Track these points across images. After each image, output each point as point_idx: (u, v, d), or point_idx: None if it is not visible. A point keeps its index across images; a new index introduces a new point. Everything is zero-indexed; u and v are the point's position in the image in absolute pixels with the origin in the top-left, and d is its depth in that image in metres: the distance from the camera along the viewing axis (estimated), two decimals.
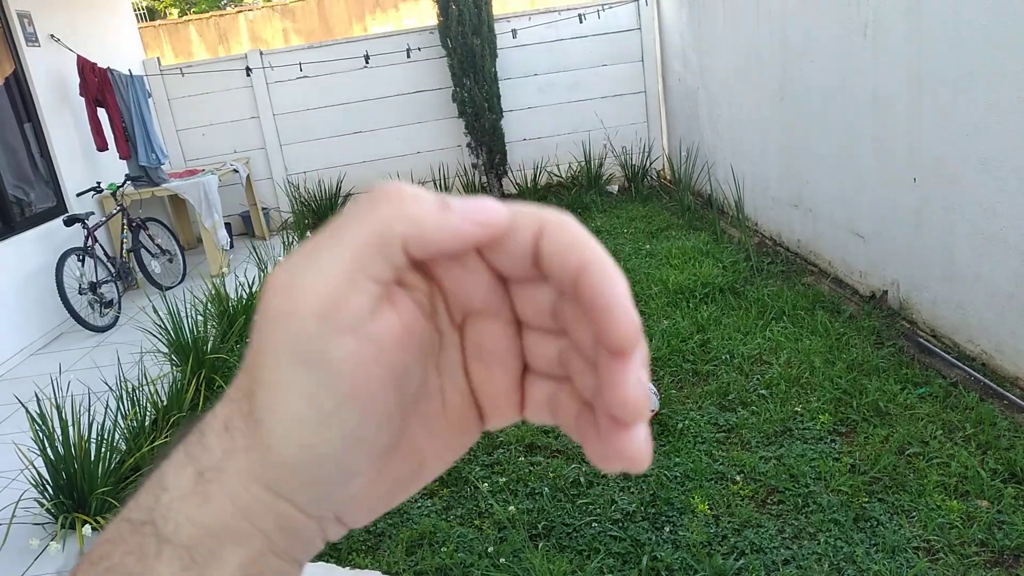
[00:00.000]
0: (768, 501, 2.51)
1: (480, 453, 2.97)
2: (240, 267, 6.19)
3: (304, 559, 0.28)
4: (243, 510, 0.25)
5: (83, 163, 6.00)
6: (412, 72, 7.24)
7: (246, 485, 0.25)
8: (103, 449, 2.86)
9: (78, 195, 5.68)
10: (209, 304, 4.40)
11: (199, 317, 4.08)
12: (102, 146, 5.99)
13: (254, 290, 4.48)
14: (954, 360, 3.13)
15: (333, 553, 2.51)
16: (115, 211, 5.72)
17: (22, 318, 4.98)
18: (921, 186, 3.34)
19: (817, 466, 2.61)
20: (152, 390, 3.37)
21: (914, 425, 2.75)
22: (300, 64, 7.13)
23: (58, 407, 2.86)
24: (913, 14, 3.23)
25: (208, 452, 0.26)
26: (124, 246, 5.78)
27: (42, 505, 2.79)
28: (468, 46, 6.79)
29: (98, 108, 5.97)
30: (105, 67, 5.98)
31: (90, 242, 5.29)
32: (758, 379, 3.25)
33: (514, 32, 7.03)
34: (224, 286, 4.65)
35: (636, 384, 0.23)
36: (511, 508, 2.57)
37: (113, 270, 5.55)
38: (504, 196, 7.17)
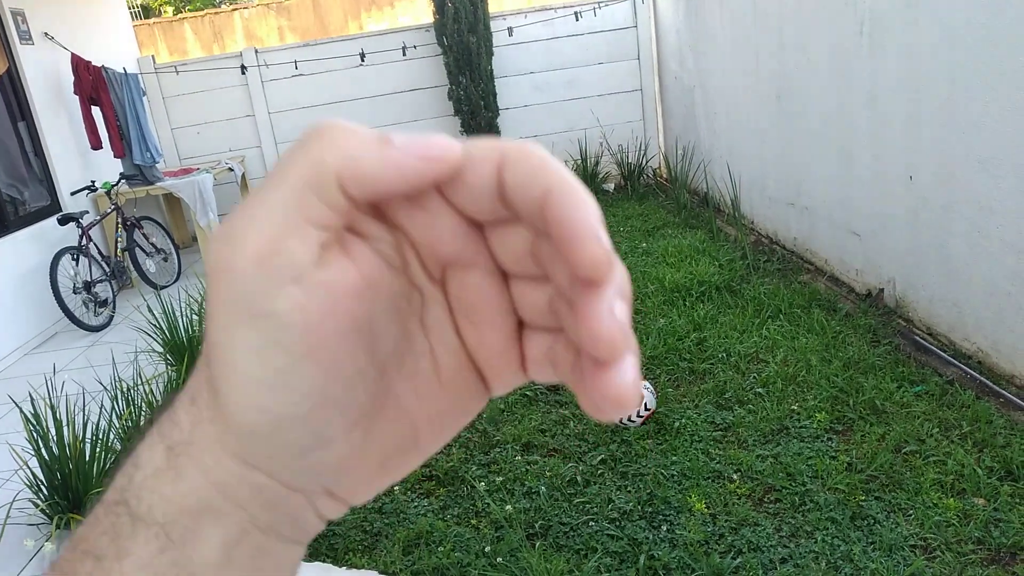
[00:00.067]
0: (765, 500, 2.51)
1: (477, 452, 2.96)
2: None
3: (299, 537, 0.27)
4: (217, 484, 0.24)
5: (77, 162, 5.98)
6: (408, 70, 7.22)
7: (216, 457, 0.24)
8: (98, 449, 2.85)
9: (72, 194, 5.66)
10: (204, 303, 4.38)
11: (194, 316, 4.06)
12: (96, 144, 5.97)
13: None
14: (950, 358, 3.14)
15: (329, 553, 2.50)
16: (109, 210, 5.70)
17: (16, 317, 4.96)
18: (918, 184, 3.35)
19: (814, 464, 2.61)
20: (147, 390, 3.36)
21: (910, 423, 2.76)
22: (295, 62, 7.11)
23: (52, 407, 2.85)
24: (910, 12, 3.23)
25: (178, 427, 0.25)
26: (119, 245, 5.76)
27: (37, 506, 2.78)
28: (464, 44, 6.78)
29: (92, 106, 5.94)
30: (99, 65, 5.96)
31: (84, 241, 5.27)
32: (755, 377, 3.25)
33: (510, 30, 7.02)
34: None
35: (608, 315, 0.21)
36: (508, 507, 2.57)
37: (108, 269, 5.53)
38: None
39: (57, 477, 2.78)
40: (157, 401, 3.36)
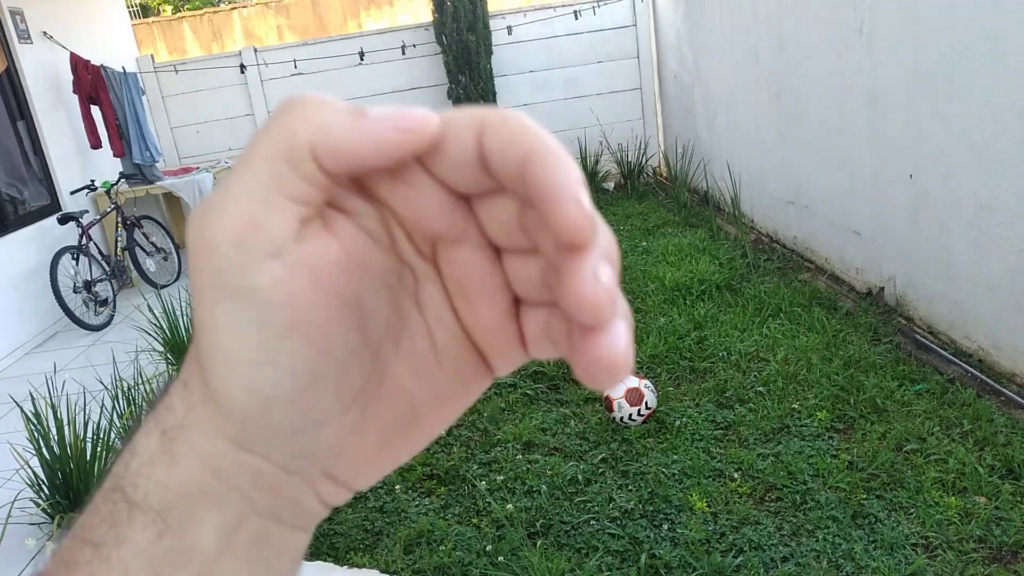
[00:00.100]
0: (766, 498, 2.51)
1: (478, 451, 2.97)
2: None
3: (301, 523, 0.26)
4: (212, 468, 0.24)
5: (77, 161, 5.97)
6: (407, 69, 7.22)
7: (210, 441, 0.24)
8: (99, 448, 2.84)
9: (72, 193, 5.65)
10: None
11: None
12: (96, 144, 5.97)
13: None
14: (951, 356, 3.14)
15: (331, 552, 2.50)
16: (109, 209, 5.69)
17: (16, 317, 4.96)
18: (918, 182, 3.35)
19: (815, 463, 2.61)
20: (148, 389, 3.36)
21: (911, 422, 2.76)
22: (294, 61, 7.10)
23: (53, 406, 2.84)
24: (909, 10, 3.23)
25: (172, 412, 0.24)
26: (119, 244, 5.76)
27: (38, 505, 2.78)
28: (463, 43, 6.77)
29: (92, 106, 5.94)
30: (98, 64, 5.95)
31: (84, 240, 5.27)
32: (755, 376, 3.25)
33: (509, 29, 7.01)
34: None
35: (592, 279, 0.20)
36: (509, 506, 2.57)
37: (108, 268, 5.53)
38: None
39: (58, 476, 2.78)
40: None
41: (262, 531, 0.25)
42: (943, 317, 3.31)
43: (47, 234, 5.32)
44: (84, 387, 3.42)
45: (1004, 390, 2.84)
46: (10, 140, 5.37)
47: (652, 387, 3.03)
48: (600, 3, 7.05)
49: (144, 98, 6.56)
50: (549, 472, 2.75)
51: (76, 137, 5.97)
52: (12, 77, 5.41)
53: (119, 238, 5.75)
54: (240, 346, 0.22)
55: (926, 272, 3.39)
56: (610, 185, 7.29)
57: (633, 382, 2.98)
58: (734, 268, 4.49)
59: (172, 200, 7.01)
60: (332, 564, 2.42)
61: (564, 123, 7.34)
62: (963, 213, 3.07)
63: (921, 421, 2.76)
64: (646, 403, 2.95)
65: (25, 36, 5.51)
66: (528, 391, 3.38)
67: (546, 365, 3.53)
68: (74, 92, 5.88)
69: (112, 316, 5.34)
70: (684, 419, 2.98)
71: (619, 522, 2.46)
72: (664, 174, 7.33)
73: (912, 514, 2.34)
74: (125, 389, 3.22)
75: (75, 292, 5.06)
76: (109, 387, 3.28)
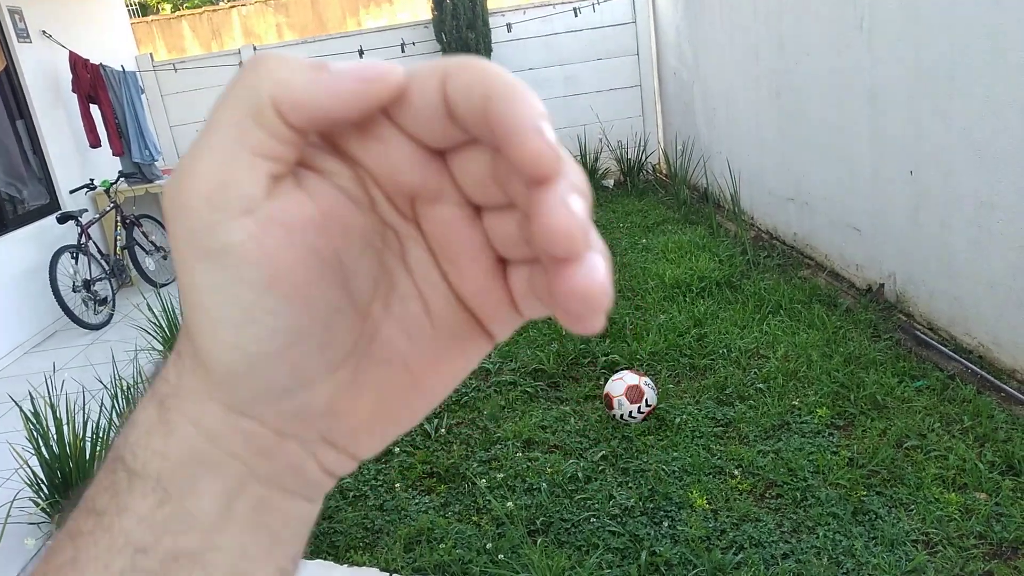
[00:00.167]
0: (766, 495, 2.51)
1: (478, 449, 2.96)
2: None
3: (305, 492, 0.26)
4: (208, 434, 0.24)
5: (76, 160, 5.96)
6: (406, 67, 7.20)
7: (204, 407, 0.24)
8: (98, 448, 2.84)
9: (71, 192, 5.65)
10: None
11: None
12: (95, 143, 5.96)
13: None
14: (951, 353, 3.14)
15: (330, 551, 2.50)
16: (108, 208, 5.69)
17: (15, 316, 4.95)
18: (918, 179, 3.34)
19: (815, 460, 2.61)
20: (147, 388, 3.35)
21: (912, 418, 2.75)
22: None
23: (52, 406, 2.84)
24: (909, 7, 3.22)
25: (166, 382, 0.25)
26: (118, 243, 5.76)
27: (37, 504, 2.77)
28: (462, 40, 6.76)
29: (91, 104, 5.93)
30: (97, 63, 5.94)
31: (83, 239, 5.27)
32: (755, 373, 3.25)
33: (509, 26, 7.00)
34: None
35: (560, 206, 0.20)
36: (509, 504, 2.56)
37: (107, 267, 5.53)
38: None
39: (57, 476, 2.78)
40: None
41: (264, 499, 0.25)
42: (943, 313, 3.31)
43: (46, 233, 5.32)
44: (83, 386, 3.42)
45: (1004, 386, 2.84)
46: (9, 139, 5.37)
47: (652, 384, 3.03)
48: (600, 0, 7.04)
49: (143, 97, 6.55)
50: (549, 470, 2.75)
51: (75, 136, 5.96)
52: (11, 76, 5.40)
53: (118, 237, 5.75)
54: (220, 305, 0.22)
55: (926, 269, 3.38)
56: (610, 182, 7.29)
57: (633, 379, 2.98)
58: (734, 265, 4.48)
59: None
60: (332, 563, 2.42)
61: (564, 120, 7.33)
62: (964, 210, 3.06)
63: (921, 417, 2.75)
64: (646, 400, 2.95)
65: (24, 35, 5.50)
66: (528, 389, 3.37)
67: (546, 363, 3.53)
68: (73, 91, 5.87)
69: (111, 315, 5.33)
70: (684, 416, 2.97)
71: (619, 519, 2.46)
72: (664, 171, 7.32)
73: (912, 510, 2.33)
74: (124, 388, 3.22)
75: (74, 291, 5.06)
76: (108, 386, 3.28)
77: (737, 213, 5.26)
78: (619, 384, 2.98)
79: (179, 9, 12.45)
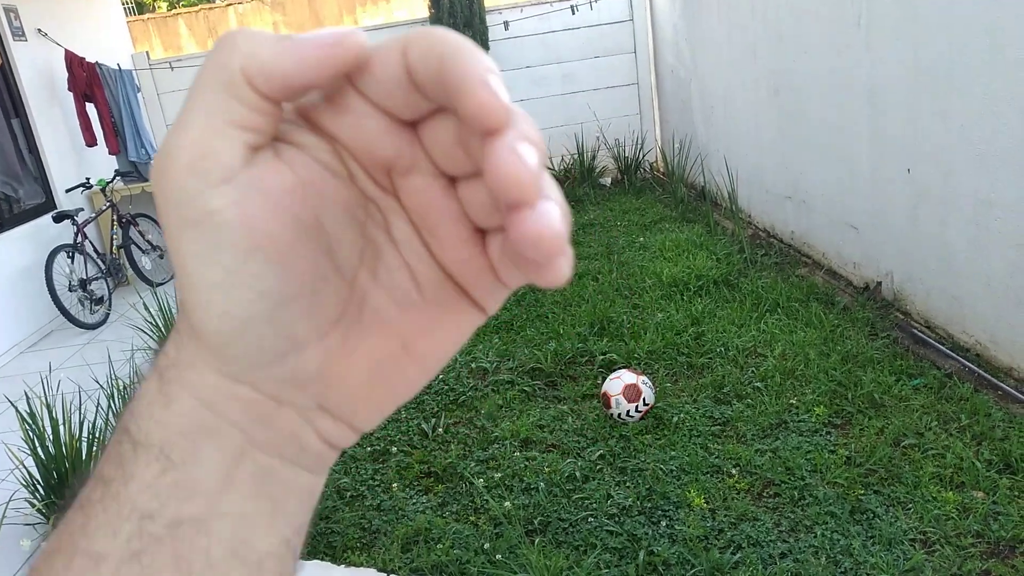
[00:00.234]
0: (764, 494, 2.51)
1: (475, 448, 2.96)
2: None
3: (305, 462, 0.27)
4: (205, 402, 0.25)
5: (72, 159, 5.94)
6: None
7: (201, 375, 0.25)
8: (95, 448, 2.83)
9: (67, 191, 5.63)
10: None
11: None
12: (91, 141, 5.94)
13: None
14: (948, 351, 3.13)
15: (328, 551, 2.49)
16: (104, 207, 5.67)
17: (11, 316, 4.94)
18: (916, 177, 3.34)
19: (813, 459, 2.61)
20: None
21: (909, 416, 2.75)
22: None
23: (48, 406, 2.83)
24: (907, 5, 3.22)
25: (166, 355, 0.26)
26: (114, 242, 5.74)
27: (33, 505, 2.76)
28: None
29: (87, 103, 5.91)
30: (93, 61, 5.92)
31: (79, 239, 5.25)
32: (753, 372, 3.25)
33: (506, 24, 6.99)
34: None
35: (509, 153, 0.21)
36: (507, 504, 2.56)
37: (103, 266, 5.51)
38: None
39: (53, 476, 2.77)
40: None
41: (264, 467, 0.25)
42: (941, 312, 3.31)
43: (42, 232, 5.30)
44: (80, 386, 3.41)
45: (1002, 384, 2.84)
46: (5, 138, 5.35)
47: (650, 383, 3.02)
48: None
49: (139, 95, 6.53)
50: (547, 469, 2.74)
51: (71, 135, 5.94)
52: (6, 75, 5.38)
53: (114, 236, 5.73)
54: (207, 271, 0.23)
55: (924, 267, 3.38)
56: (607, 181, 7.28)
57: (631, 378, 2.97)
58: (731, 263, 4.48)
59: None
60: (330, 563, 2.42)
61: (561, 119, 7.32)
62: (962, 208, 3.06)
63: (919, 416, 2.75)
64: (644, 399, 2.95)
65: (19, 33, 5.48)
66: (526, 388, 3.37)
67: (543, 362, 3.52)
68: (69, 90, 5.85)
69: (108, 314, 5.32)
70: (682, 415, 2.97)
71: (617, 519, 2.46)
72: (661, 169, 7.32)
73: (910, 509, 2.33)
74: (121, 388, 3.21)
75: (70, 290, 5.04)
76: (105, 386, 3.26)
77: (735, 211, 5.25)
78: (617, 383, 2.98)
79: (175, 7, 12.42)
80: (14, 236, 5.11)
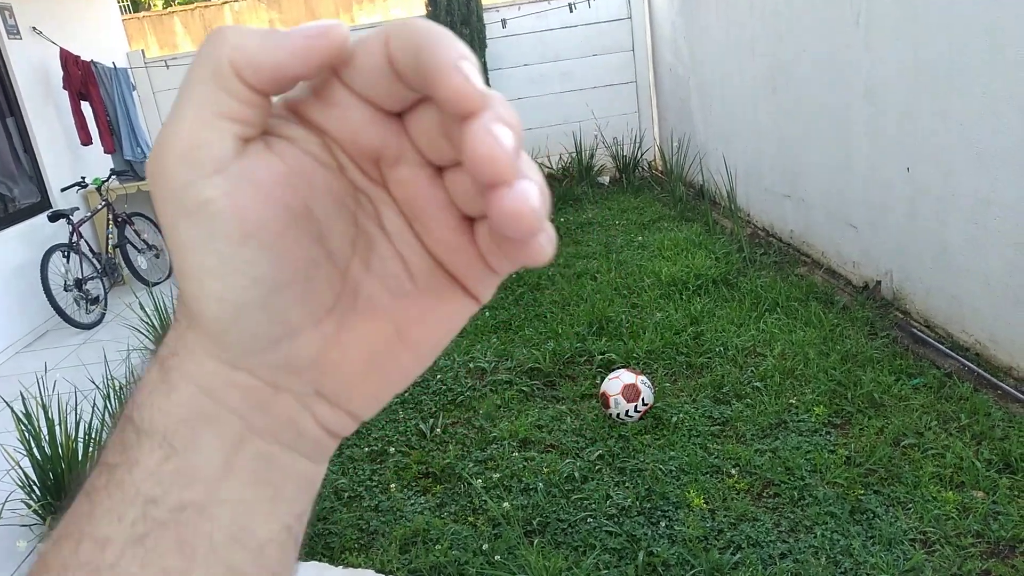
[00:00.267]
0: (764, 494, 2.50)
1: (473, 449, 2.95)
2: None
3: (304, 449, 0.27)
4: (205, 390, 0.25)
5: (67, 158, 5.91)
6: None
7: (200, 363, 0.25)
8: (91, 449, 2.82)
9: (62, 190, 5.60)
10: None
11: None
12: (86, 140, 5.91)
13: None
14: (948, 350, 3.13)
15: (325, 552, 2.48)
16: (100, 206, 5.64)
17: (6, 316, 4.91)
18: (915, 176, 3.33)
19: (812, 459, 2.60)
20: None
21: (909, 416, 2.75)
22: None
23: (44, 406, 2.81)
24: (906, 3, 3.21)
25: (167, 346, 0.26)
26: (110, 242, 5.71)
27: (29, 506, 2.75)
28: (457, 36, 6.73)
29: (82, 102, 5.88)
30: (88, 60, 5.89)
31: (75, 238, 5.23)
32: (752, 371, 3.24)
33: (503, 22, 6.97)
34: None
35: (484, 133, 0.21)
36: (505, 504, 2.55)
37: (99, 266, 5.48)
38: None
39: (50, 477, 2.75)
40: None
41: (264, 453, 0.26)
42: (940, 311, 3.30)
43: (37, 232, 5.28)
44: (75, 386, 3.39)
45: (1001, 384, 2.84)
46: None
47: (649, 383, 3.01)
48: None
49: (135, 94, 6.50)
50: (545, 469, 2.73)
51: (66, 133, 5.91)
52: (1, 73, 5.35)
53: (110, 235, 5.70)
54: (203, 258, 0.24)
55: (923, 266, 3.38)
56: (605, 179, 7.27)
57: (630, 378, 2.96)
58: (730, 262, 4.47)
59: None
60: (327, 564, 2.40)
61: (559, 117, 7.31)
62: (961, 207, 3.05)
63: (918, 415, 2.75)
64: (643, 399, 2.94)
65: (14, 32, 5.45)
66: (524, 388, 3.36)
67: (542, 362, 3.51)
68: (64, 88, 5.82)
69: (103, 314, 5.29)
70: (681, 415, 2.96)
71: (616, 520, 2.45)
72: (660, 168, 7.31)
73: (910, 509, 2.33)
74: (117, 388, 3.19)
75: (66, 290, 5.02)
76: (101, 386, 3.24)
77: (733, 210, 5.25)
78: (615, 383, 2.97)
79: (171, 5, 12.37)
80: (9, 235, 5.08)
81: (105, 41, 6.79)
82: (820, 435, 2.74)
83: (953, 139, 3.02)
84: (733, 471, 2.61)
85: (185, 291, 0.25)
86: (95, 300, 5.26)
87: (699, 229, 5.24)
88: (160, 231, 5.77)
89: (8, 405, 2.96)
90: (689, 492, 2.51)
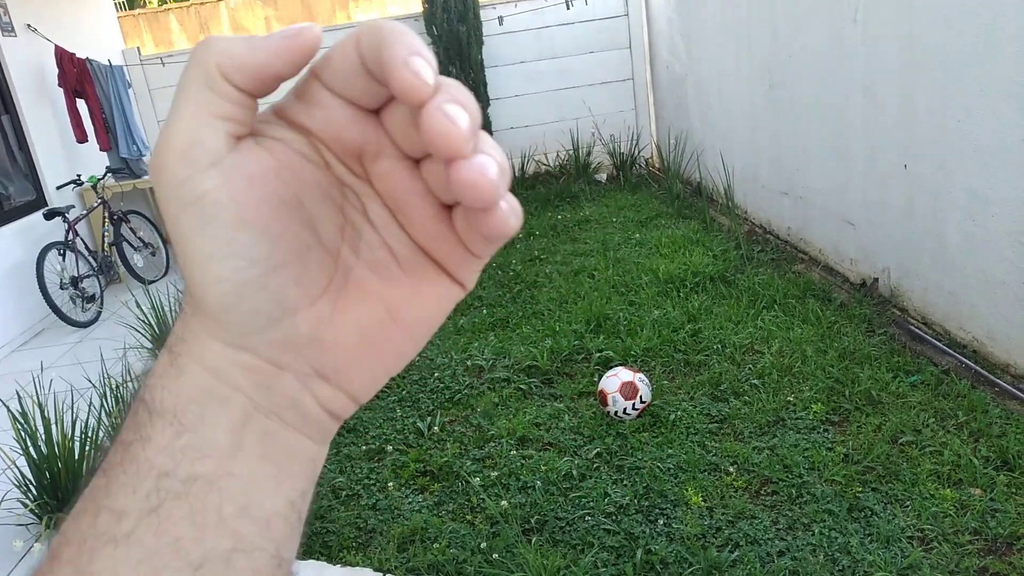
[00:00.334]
0: (762, 492, 2.50)
1: (471, 447, 2.94)
2: None
3: (305, 428, 0.29)
4: (211, 370, 0.27)
5: (63, 155, 5.89)
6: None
7: (204, 344, 0.27)
8: (87, 447, 2.81)
9: (58, 188, 5.58)
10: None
11: None
12: (82, 138, 5.89)
13: None
14: (945, 347, 3.13)
15: (323, 551, 2.47)
16: (96, 204, 5.63)
17: (2, 314, 4.90)
18: (912, 173, 3.33)
19: (810, 456, 2.60)
20: (136, 386, 3.31)
21: (906, 413, 2.75)
22: None
23: (40, 405, 2.80)
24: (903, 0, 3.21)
25: (174, 333, 0.28)
26: (105, 239, 5.70)
27: (25, 506, 2.74)
28: (454, 33, 6.71)
29: (77, 99, 5.86)
30: (84, 57, 5.87)
31: (71, 236, 5.21)
32: (750, 369, 3.24)
33: (500, 19, 6.95)
34: None
35: (436, 113, 0.23)
36: (503, 503, 2.55)
37: (95, 264, 5.46)
38: None
39: (46, 476, 2.74)
40: None
41: (268, 431, 0.28)
42: (938, 308, 3.30)
43: (33, 230, 5.26)
44: (72, 385, 3.38)
45: (998, 381, 2.84)
46: None
47: (646, 381, 3.01)
48: None
49: (130, 91, 6.48)
50: (543, 468, 2.73)
51: (62, 131, 5.89)
52: None
53: (106, 233, 5.68)
54: (203, 244, 0.26)
55: (921, 263, 3.38)
56: (602, 176, 7.26)
57: (628, 376, 2.96)
58: (728, 260, 4.47)
59: None
60: (325, 563, 2.40)
61: (556, 114, 7.30)
62: (958, 204, 3.05)
63: (916, 413, 2.75)
64: (640, 397, 2.93)
65: (9, 29, 5.42)
66: (522, 386, 3.35)
67: (539, 359, 3.50)
68: (59, 85, 5.80)
69: (99, 312, 5.28)
70: (679, 413, 2.96)
71: (614, 517, 2.45)
72: (657, 165, 7.30)
73: (908, 507, 2.33)
74: (113, 387, 3.18)
75: (62, 288, 5.00)
76: (97, 385, 3.23)
77: (731, 207, 5.25)
78: (613, 380, 2.97)
79: (166, 3, 12.32)
80: (4, 233, 5.06)
81: (101, 38, 6.76)
82: (818, 432, 2.74)
83: (951, 136, 3.02)
84: (731, 469, 2.61)
85: (189, 279, 0.27)
86: (91, 298, 5.24)
87: (696, 226, 5.24)
88: (157, 228, 5.77)
89: (4, 404, 2.95)
90: (687, 490, 2.51)
